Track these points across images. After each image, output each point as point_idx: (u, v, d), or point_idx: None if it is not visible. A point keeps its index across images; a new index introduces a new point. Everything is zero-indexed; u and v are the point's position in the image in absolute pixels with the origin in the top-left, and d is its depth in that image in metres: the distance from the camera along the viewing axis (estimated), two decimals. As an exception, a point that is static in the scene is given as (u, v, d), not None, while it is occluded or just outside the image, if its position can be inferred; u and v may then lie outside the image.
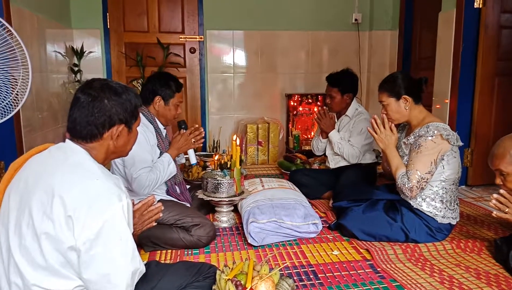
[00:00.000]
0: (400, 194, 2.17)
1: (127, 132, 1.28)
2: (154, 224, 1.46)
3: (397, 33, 4.23)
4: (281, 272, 1.66)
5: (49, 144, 1.29)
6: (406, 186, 2.06)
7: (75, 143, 1.22)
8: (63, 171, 1.12)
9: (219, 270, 1.53)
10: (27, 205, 1.10)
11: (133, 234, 1.18)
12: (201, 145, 2.41)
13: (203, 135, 2.36)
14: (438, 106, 3.30)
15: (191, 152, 2.39)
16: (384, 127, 2.16)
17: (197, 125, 2.39)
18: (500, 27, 3.06)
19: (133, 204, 1.32)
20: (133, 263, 1.14)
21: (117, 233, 1.09)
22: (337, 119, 3.05)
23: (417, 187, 2.04)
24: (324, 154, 3.21)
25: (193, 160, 2.43)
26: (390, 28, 4.33)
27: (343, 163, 3.01)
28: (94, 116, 1.20)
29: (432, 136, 2.02)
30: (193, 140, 2.31)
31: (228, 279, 1.45)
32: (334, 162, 3.05)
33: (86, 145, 1.22)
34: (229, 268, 1.55)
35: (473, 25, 3.05)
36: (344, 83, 2.93)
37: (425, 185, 2.06)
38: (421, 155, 2.03)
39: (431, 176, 2.05)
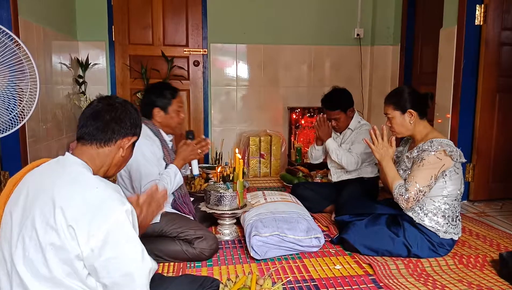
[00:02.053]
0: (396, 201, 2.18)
1: (131, 147, 1.34)
2: (163, 209, 1.63)
3: (399, 48, 4.28)
4: (284, 287, 1.67)
5: (46, 159, 1.31)
6: (404, 196, 2.07)
7: (78, 150, 1.25)
8: (62, 183, 1.14)
9: (222, 283, 1.54)
10: (29, 218, 1.11)
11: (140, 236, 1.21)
12: (203, 155, 2.42)
13: (209, 146, 2.36)
14: (439, 121, 3.33)
15: (194, 163, 2.38)
16: (382, 139, 2.18)
17: (203, 136, 2.40)
18: (501, 44, 3.10)
19: (138, 199, 1.37)
20: (145, 262, 1.17)
21: (123, 236, 1.11)
22: (340, 134, 3.07)
23: (413, 199, 2.05)
24: (327, 167, 3.22)
25: (196, 171, 2.42)
26: (391, 43, 4.38)
27: (345, 177, 3.01)
28: (120, 118, 1.27)
29: (435, 151, 2.03)
30: (199, 150, 2.30)
31: (232, 293, 1.45)
32: (336, 176, 3.06)
33: (95, 150, 1.25)
34: (232, 281, 1.55)
35: (474, 42, 3.09)
36: (342, 102, 2.94)
37: (421, 198, 2.07)
38: (423, 169, 2.04)
39: (429, 190, 2.07)
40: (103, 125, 1.25)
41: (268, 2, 4.27)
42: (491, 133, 3.19)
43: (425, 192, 2.06)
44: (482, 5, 3.03)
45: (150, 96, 2.28)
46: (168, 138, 2.35)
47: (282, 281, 1.58)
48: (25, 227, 1.11)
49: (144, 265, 1.17)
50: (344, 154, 2.89)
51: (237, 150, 2.46)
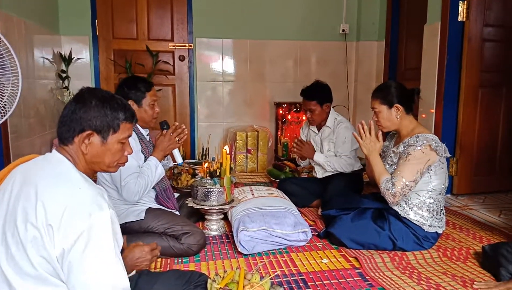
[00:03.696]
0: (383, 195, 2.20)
1: (100, 142, 1.23)
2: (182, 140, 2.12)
3: (384, 43, 4.32)
4: (272, 281, 1.67)
5: (34, 155, 1.28)
6: (390, 191, 2.10)
7: (60, 149, 1.22)
8: (47, 180, 1.11)
9: (210, 278, 1.54)
10: (13, 215, 1.09)
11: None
12: (184, 142, 2.36)
13: (186, 132, 2.31)
14: (423, 116, 3.37)
15: (176, 152, 2.35)
16: (370, 134, 2.20)
17: (177, 123, 2.33)
18: (483, 40, 3.15)
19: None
20: (115, 277, 1.09)
21: (96, 244, 1.06)
22: (318, 131, 3.09)
23: (400, 193, 2.08)
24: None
25: (179, 159, 2.38)
26: (376, 39, 4.42)
27: (329, 173, 3.04)
28: (68, 117, 1.20)
29: (421, 146, 2.06)
30: (177, 138, 2.27)
31: (220, 288, 1.45)
32: (321, 172, 3.08)
33: (65, 149, 1.21)
34: (220, 276, 1.55)
35: (457, 38, 3.13)
36: (320, 95, 2.96)
37: (408, 192, 2.10)
38: (409, 163, 2.07)
39: (415, 184, 2.10)
40: (63, 123, 1.21)
41: (254, -3, 4.25)
42: (473, 128, 3.24)
43: (411, 187, 2.09)
44: (465, 2, 3.07)
45: (123, 89, 2.22)
46: (144, 131, 2.32)
47: (270, 275, 1.58)
48: (8, 224, 1.09)
49: (112, 280, 1.08)
50: (335, 162, 2.92)
51: (225, 147, 2.44)
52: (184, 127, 2.30)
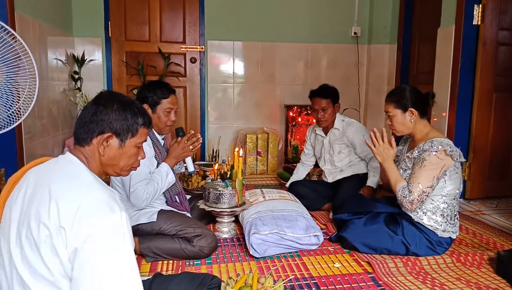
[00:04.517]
0: (400, 206, 2.18)
1: (118, 145, 1.24)
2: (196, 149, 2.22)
3: (396, 47, 4.29)
4: (285, 285, 1.67)
5: (47, 158, 1.29)
6: (407, 198, 2.07)
7: (75, 150, 1.23)
8: (60, 182, 1.12)
9: (224, 282, 1.54)
10: (26, 216, 1.09)
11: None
12: (197, 150, 2.36)
13: (200, 141, 2.30)
14: (435, 120, 3.34)
15: (189, 160, 2.34)
16: (383, 141, 2.18)
17: (193, 131, 2.33)
18: (498, 43, 3.12)
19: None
20: (127, 281, 1.06)
21: (106, 246, 1.04)
22: (326, 134, 3.07)
23: (418, 200, 2.06)
24: (317, 166, 3.27)
25: (191, 167, 2.39)
26: (388, 42, 4.39)
27: (340, 176, 3.03)
28: (88, 118, 1.21)
29: (436, 151, 2.04)
30: (190, 147, 2.26)
31: (234, 291, 1.45)
32: (331, 177, 3.07)
33: (81, 150, 1.22)
34: (234, 280, 1.55)
35: (471, 42, 3.10)
36: (333, 93, 2.97)
37: (425, 199, 2.08)
38: (424, 169, 2.05)
39: (432, 190, 2.07)
40: (82, 124, 1.22)
41: (265, 0, 4.25)
42: (487, 132, 3.21)
43: (428, 193, 2.06)
44: (480, 5, 3.05)
45: (144, 92, 2.23)
46: (160, 136, 2.32)
47: (283, 279, 1.58)
48: (22, 225, 1.10)
49: (122, 285, 1.04)
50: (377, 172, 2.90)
51: (237, 149, 2.44)
52: (199, 136, 2.29)
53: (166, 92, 2.24)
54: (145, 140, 1.32)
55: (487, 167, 3.25)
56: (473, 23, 3.07)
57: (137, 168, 1.46)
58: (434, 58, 3.42)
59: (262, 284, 1.53)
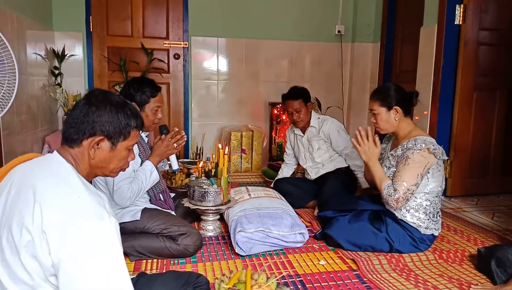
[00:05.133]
0: (385, 205, 2.20)
1: (109, 147, 1.21)
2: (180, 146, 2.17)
3: (379, 45, 4.34)
4: (278, 281, 1.67)
5: (33, 154, 1.24)
6: (393, 197, 2.09)
7: (62, 149, 1.19)
8: (46, 184, 1.07)
9: (217, 279, 1.54)
10: (9, 218, 1.05)
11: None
12: (181, 147, 2.34)
13: (185, 139, 2.28)
14: (417, 118, 3.39)
15: (173, 158, 2.33)
16: (368, 140, 2.19)
17: (177, 129, 2.31)
18: (479, 43, 3.17)
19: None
20: (116, 287, 1.04)
21: (95, 253, 1.01)
22: (303, 133, 3.11)
23: (403, 198, 2.08)
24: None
25: (175, 165, 2.37)
26: (372, 41, 4.43)
27: (323, 171, 3.05)
28: (79, 119, 1.17)
29: (420, 149, 2.06)
30: (175, 144, 2.23)
31: (229, 288, 1.45)
32: (314, 173, 3.10)
33: (69, 150, 1.18)
34: (227, 277, 1.56)
35: (453, 41, 3.15)
36: (304, 94, 3.02)
37: (410, 197, 2.10)
38: (408, 167, 2.07)
39: (417, 188, 2.10)
40: (73, 124, 1.17)
41: (250, -4, 4.24)
42: (468, 130, 3.26)
43: (413, 191, 2.09)
44: (462, 5, 3.09)
45: (129, 90, 2.18)
46: (143, 134, 2.29)
47: (275, 276, 1.59)
48: (3, 227, 1.06)
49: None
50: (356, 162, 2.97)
51: (220, 146, 2.42)
52: (183, 133, 2.27)
53: (154, 90, 2.21)
54: (137, 142, 1.29)
55: (467, 165, 3.31)
56: (455, 23, 3.12)
57: None
58: (416, 57, 3.46)
59: (256, 280, 1.54)
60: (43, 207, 1.02)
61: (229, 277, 1.53)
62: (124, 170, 1.32)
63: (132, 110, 1.26)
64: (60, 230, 1.00)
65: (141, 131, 2.20)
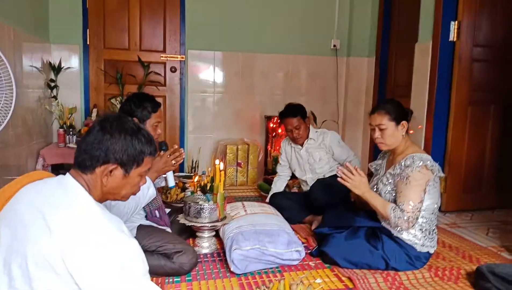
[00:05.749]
0: (394, 227, 2.16)
1: (122, 175, 1.21)
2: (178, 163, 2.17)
3: (374, 60, 4.37)
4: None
5: (43, 173, 1.23)
6: (403, 218, 2.05)
7: (75, 174, 1.17)
8: (64, 211, 1.06)
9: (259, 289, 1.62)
10: (21, 244, 1.02)
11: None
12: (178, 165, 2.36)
13: (183, 156, 2.30)
14: (411, 132, 3.39)
15: (169, 175, 2.33)
16: (353, 174, 2.15)
17: (176, 146, 2.32)
18: (473, 60, 3.20)
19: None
20: None
21: (124, 276, 1.03)
22: (302, 146, 3.12)
23: (412, 217, 2.05)
24: (295, 177, 3.32)
25: (171, 182, 2.37)
26: (367, 55, 4.47)
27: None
28: (92, 146, 1.16)
29: (418, 166, 2.06)
30: (173, 161, 2.24)
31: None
32: (310, 186, 3.10)
33: (82, 176, 1.17)
34: (267, 287, 1.66)
35: (448, 57, 3.18)
36: (301, 110, 3.05)
37: (419, 214, 2.08)
38: (411, 186, 2.06)
39: (422, 204, 2.09)
40: (87, 150, 1.17)
41: (247, 10, 4.27)
42: (462, 146, 3.28)
43: (419, 208, 2.07)
44: (456, 22, 3.13)
45: (131, 105, 2.21)
46: None
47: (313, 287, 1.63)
48: (15, 253, 1.03)
49: None
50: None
51: (217, 161, 2.41)
52: (182, 151, 2.28)
53: (154, 106, 2.25)
54: (149, 168, 1.29)
55: (462, 180, 3.32)
56: (449, 40, 3.16)
57: None
58: (411, 72, 3.49)
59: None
60: (62, 236, 1.01)
61: (269, 288, 1.62)
62: (135, 194, 1.31)
63: (146, 136, 1.25)
64: (82, 256, 1.00)
65: None
